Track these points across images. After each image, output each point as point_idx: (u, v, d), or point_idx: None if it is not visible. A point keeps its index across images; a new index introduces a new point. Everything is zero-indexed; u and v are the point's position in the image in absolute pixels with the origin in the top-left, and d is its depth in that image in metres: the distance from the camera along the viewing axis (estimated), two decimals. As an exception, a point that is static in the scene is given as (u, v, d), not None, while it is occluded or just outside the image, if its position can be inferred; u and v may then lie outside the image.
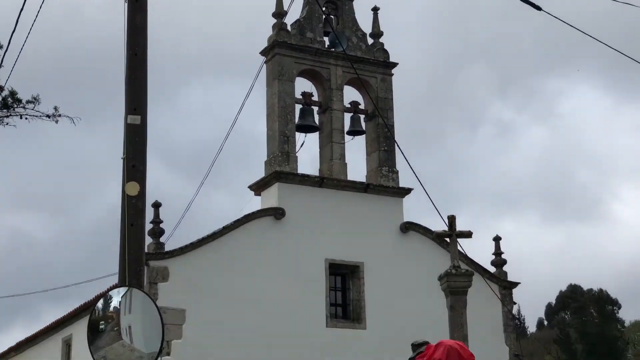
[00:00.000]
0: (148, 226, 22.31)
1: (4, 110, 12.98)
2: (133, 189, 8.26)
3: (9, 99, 12.96)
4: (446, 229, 15.92)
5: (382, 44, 26.88)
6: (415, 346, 10.21)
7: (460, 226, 16.00)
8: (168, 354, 21.49)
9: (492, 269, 26.64)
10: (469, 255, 23.80)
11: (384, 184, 25.55)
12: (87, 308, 24.60)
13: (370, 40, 26.88)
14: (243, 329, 22.79)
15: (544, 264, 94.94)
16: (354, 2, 26.94)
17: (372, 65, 26.32)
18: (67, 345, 28.27)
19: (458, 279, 14.99)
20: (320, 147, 26.48)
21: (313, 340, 23.35)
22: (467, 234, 15.91)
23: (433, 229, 20.73)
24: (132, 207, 8.44)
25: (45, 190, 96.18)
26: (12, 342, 34.04)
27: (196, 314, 22.45)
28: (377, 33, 27.07)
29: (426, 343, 10.10)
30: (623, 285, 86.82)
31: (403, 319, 24.08)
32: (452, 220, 15.85)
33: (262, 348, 22.74)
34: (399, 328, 23.67)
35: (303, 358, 22.99)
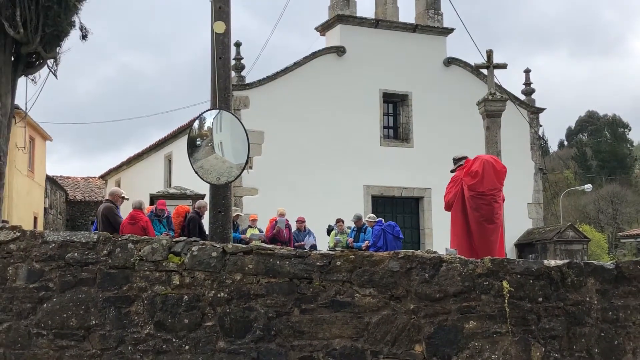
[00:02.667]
0: (231, 62, 22.51)
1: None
2: (220, 27, 8.17)
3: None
4: (485, 61, 15.54)
5: None
6: (456, 160, 10.20)
7: (497, 61, 15.60)
8: (250, 167, 22.04)
9: (523, 97, 26.27)
10: (503, 85, 23.42)
11: (430, 24, 25.02)
12: (184, 129, 25.13)
13: None
14: (311, 147, 23.18)
15: (568, 93, 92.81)
16: None
17: None
18: (168, 160, 29.12)
19: (494, 104, 14.77)
20: (375, -8, 25.96)
21: (369, 157, 23.70)
22: (503, 66, 15.52)
23: (472, 63, 20.28)
24: (220, 43, 8.39)
25: (151, 32, 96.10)
26: (124, 159, 35.28)
27: (272, 135, 22.81)
28: None
29: (465, 157, 10.08)
30: (634, 111, 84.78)
31: (445, 138, 24.11)
32: (489, 53, 15.44)
33: (327, 162, 23.18)
34: (441, 146, 23.76)
35: (361, 170, 23.45)
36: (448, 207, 9.81)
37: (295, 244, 16.23)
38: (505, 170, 9.66)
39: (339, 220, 16.94)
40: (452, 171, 10.13)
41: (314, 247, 16.06)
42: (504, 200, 9.83)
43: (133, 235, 6.65)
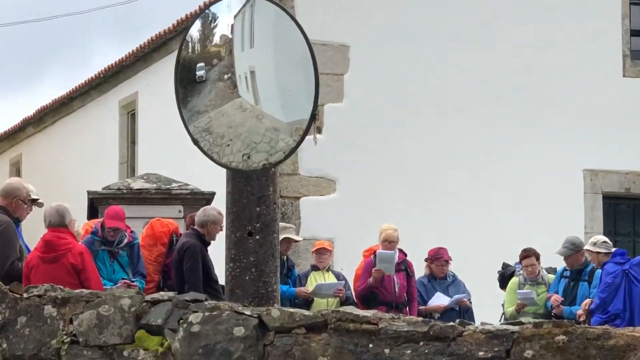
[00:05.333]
0: None
1: None
2: None
3: None
4: None
5: None
6: None
7: None
8: (319, 131, 21.91)
9: None
10: None
11: None
12: (166, 42, 25.24)
13: None
14: (455, 85, 23.35)
15: None
16: None
17: None
18: (129, 114, 29.69)
19: None
20: None
21: (598, 103, 23.78)
22: None
23: None
24: None
25: None
26: (30, 112, 35.66)
27: (368, 55, 23.10)
28: None
29: None
30: None
31: None
32: None
33: (493, 122, 23.23)
34: None
35: (577, 137, 23.45)
36: None
37: (423, 307, 16.45)
38: None
39: (526, 255, 16.93)
40: None
41: (468, 312, 16.09)
42: None
43: (54, 287, 6.77)
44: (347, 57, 22.89)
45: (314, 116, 8.27)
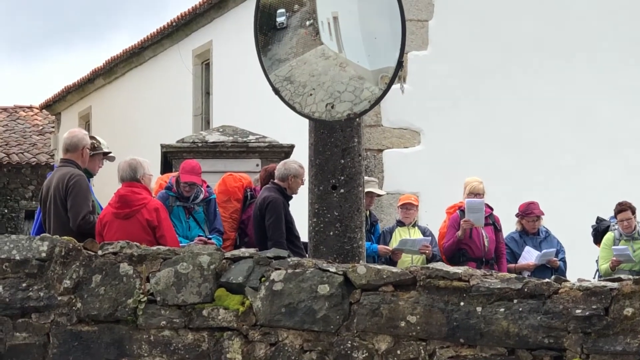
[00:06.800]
0: None
1: None
2: None
3: None
4: None
5: None
6: None
7: None
8: (405, 81, 21.75)
9: None
10: None
11: None
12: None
13: None
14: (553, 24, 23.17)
15: None
16: None
17: None
18: (204, 64, 29.64)
19: None
20: None
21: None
22: None
23: None
24: None
25: None
26: (100, 64, 35.78)
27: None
28: None
29: None
30: None
31: None
32: None
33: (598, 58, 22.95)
34: None
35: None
36: None
37: (513, 264, 16.39)
38: None
39: (622, 209, 16.78)
40: None
41: (560, 272, 15.97)
42: None
43: (130, 244, 6.80)
44: (431, 3, 22.74)
45: (400, 63, 8.26)
